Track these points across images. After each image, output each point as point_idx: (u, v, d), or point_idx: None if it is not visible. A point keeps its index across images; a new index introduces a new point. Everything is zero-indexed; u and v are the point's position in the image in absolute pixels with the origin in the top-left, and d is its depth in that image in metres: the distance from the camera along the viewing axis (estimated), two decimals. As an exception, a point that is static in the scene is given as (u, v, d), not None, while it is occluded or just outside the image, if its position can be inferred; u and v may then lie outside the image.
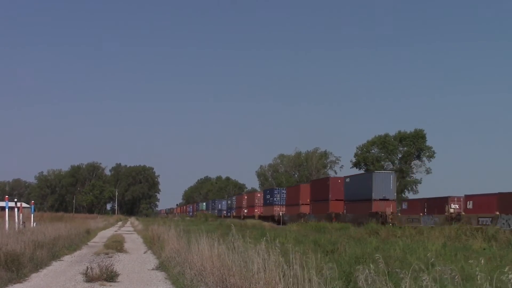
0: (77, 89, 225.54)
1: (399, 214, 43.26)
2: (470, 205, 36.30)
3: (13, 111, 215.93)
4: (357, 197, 45.90)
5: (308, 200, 55.95)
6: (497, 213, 33.36)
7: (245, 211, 77.84)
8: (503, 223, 31.41)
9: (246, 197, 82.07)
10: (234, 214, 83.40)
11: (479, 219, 34.03)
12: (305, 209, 55.93)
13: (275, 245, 8.72)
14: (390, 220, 39.86)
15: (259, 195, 75.43)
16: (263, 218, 65.84)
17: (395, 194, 45.34)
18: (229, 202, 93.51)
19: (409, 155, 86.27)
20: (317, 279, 6.91)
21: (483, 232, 24.84)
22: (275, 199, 66.22)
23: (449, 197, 40.45)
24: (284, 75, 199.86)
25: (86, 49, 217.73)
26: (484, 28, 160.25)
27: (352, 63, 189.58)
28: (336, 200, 49.10)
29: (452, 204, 36.63)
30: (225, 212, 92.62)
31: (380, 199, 42.71)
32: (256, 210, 72.60)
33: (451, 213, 36.56)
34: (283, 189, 68.48)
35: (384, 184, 43.62)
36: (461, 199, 38.73)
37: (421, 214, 40.67)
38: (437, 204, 39.78)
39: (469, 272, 10.48)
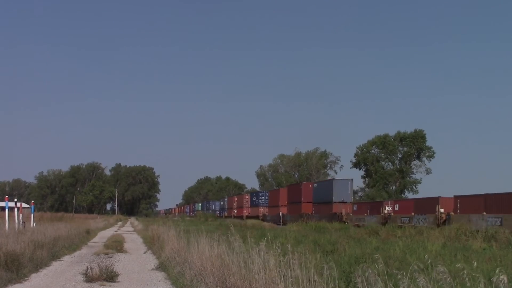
0: (77, 89, 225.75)
1: (351, 214, 49.95)
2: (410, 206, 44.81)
3: (13, 111, 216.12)
4: (322, 200, 53.89)
5: (286, 202, 63.76)
6: (413, 213, 40.95)
7: (235, 211, 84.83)
8: (416, 221, 39.05)
9: (236, 199, 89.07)
10: (226, 214, 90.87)
11: (402, 218, 41.29)
12: (284, 210, 63.69)
13: (276, 245, 8.72)
14: (345, 219, 47.82)
15: (247, 197, 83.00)
16: (249, 217, 71.79)
17: (352, 197, 54.52)
18: (221, 203, 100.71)
19: (409, 155, 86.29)
20: (318, 279, 6.91)
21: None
22: (260, 201, 75.13)
23: (383, 201, 49.84)
24: (284, 75, 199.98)
25: (87, 49, 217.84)
26: (484, 28, 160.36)
27: (352, 63, 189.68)
28: (307, 202, 56.86)
29: (386, 207, 45.28)
30: (218, 212, 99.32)
31: (339, 202, 50.80)
32: (244, 211, 79.58)
33: (385, 213, 44.89)
34: (266, 192, 77.49)
35: (342, 189, 51.82)
36: (393, 202, 47.55)
37: (365, 214, 48.38)
38: (377, 207, 47.60)
39: (469, 272, 10.49)
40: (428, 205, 39.60)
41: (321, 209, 53.20)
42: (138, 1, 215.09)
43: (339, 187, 51.95)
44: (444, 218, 36.79)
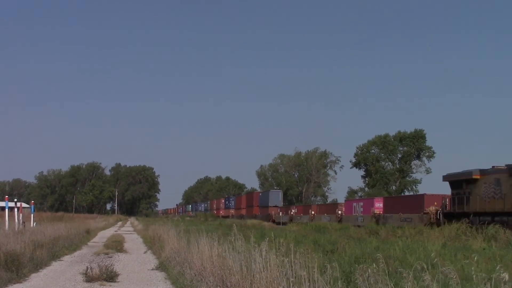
0: (77, 89, 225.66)
1: (280, 214, 66.13)
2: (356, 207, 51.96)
3: (13, 111, 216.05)
4: (263, 204, 75.52)
5: (245, 205, 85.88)
6: (356, 214, 49.08)
7: (215, 212, 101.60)
8: (357, 220, 46.58)
9: (215, 202, 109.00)
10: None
11: (347, 217, 49.81)
12: (244, 211, 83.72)
13: (280, 245, 8.71)
14: (274, 218, 65.92)
15: (222, 200, 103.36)
16: (224, 217, 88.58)
17: (282, 203, 75.69)
18: (205, 205, 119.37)
19: (409, 155, 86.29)
20: (321, 279, 6.91)
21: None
22: (230, 204, 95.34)
23: (338, 203, 61.26)
24: (284, 75, 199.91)
25: (86, 49, 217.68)
26: (484, 28, 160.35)
27: (352, 63, 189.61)
28: (256, 206, 78.61)
29: (338, 209, 53.81)
30: (203, 212, 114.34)
31: (273, 206, 71.36)
32: (220, 212, 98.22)
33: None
34: (234, 198, 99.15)
35: (276, 198, 73.51)
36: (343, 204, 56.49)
37: (302, 214, 60.78)
38: (333, 208, 56.61)
39: (469, 272, 10.49)
40: (367, 205, 47.22)
41: (263, 211, 73.77)
42: (138, 1, 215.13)
43: (273, 196, 73.67)
44: (377, 217, 42.48)
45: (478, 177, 30.35)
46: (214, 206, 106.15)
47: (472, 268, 6.02)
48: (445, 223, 30.88)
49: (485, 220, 28.41)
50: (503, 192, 27.86)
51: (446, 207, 34.15)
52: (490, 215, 28.55)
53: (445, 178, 34.17)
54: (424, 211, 35.48)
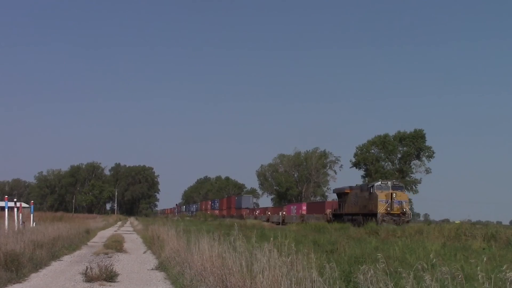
0: (77, 89, 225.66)
1: (251, 215, 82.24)
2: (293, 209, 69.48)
3: (13, 111, 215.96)
4: (238, 206, 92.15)
5: (226, 207, 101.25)
6: (305, 213, 62.85)
7: (204, 213, 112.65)
8: (307, 219, 57.57)
9: (204, 204, 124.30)
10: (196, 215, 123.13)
11: (294, 217, 64.92)
12: (225, 212, 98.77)
13: (284, 245, 8.71)
14: (245, 217, 78.53)
15: (210, 202, 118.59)
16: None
17: (253, 206, 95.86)
18: (196, 206, 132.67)
19: (408, 155, 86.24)
20: (321, 279, 6.91)
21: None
22: (215, 206, 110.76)
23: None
24: (284, 75, 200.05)
25: (87, 49, 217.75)
26: (484, 28, 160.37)
27: (352, 63, 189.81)
28: (234, 208, 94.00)
29: (283, 210, 71.78)
30: (194, 212, 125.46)
31: (245, 208, 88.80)
32: (208, 212, 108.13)
33: (282, 214, 70.41)
34: (218, 200, 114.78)
35: (247, 201, 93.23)
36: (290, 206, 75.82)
37: (269, 213, 77.15)
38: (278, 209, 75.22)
39: (469, 272, 10.48)
40: (298, 208, 66.16)
41: (238, 212, 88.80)
42: (138, 1, 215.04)
43: (245, 200, 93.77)
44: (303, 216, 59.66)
45: (348, 191, 47.72)
46: (203, 207, 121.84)
47: (478, 268, 6.00)
48: (333, 220, 47.34)
49: (350, 218, 44.81)
50: (357, 202, 44.70)
51: (335, 210, 51.40)
52: (352, 215, 45.00)
53: (334, 191, 55.34)
54: (325, 213, 54.45)
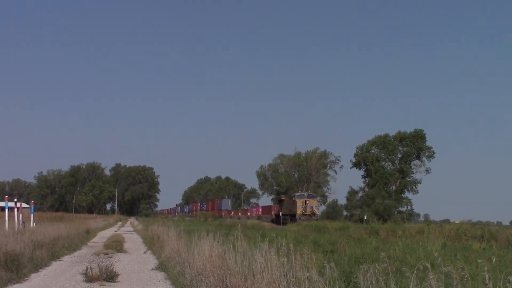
0: (77, 89, 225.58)
1: (228, 215, 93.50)
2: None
3: (13, 111, 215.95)
4: (219, 208, 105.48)
5: (211, 209, 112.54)
6: (261, 214, 79.91)
7: (195, 213, 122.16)
8: (265, 219, 72.83)
9: (194, 205, 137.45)
10: (190, 215, 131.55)
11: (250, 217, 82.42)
12: (212, 213, 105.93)
13: (282, 245, 8.70)
14: (224, 217, 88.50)
15: (199, 204, 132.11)
16: None
17: (231, 207, 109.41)
18: (189, 207, 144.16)
19: (409, 155, 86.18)
20: (321, 279, 6.90)
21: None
22: (203, 207, 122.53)
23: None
24: (284, 75, 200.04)
25: (86, 49, 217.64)
26: (484, 28, 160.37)
27: (352, 63, 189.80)
28: (216, 209, 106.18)
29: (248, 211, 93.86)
30: (187, 213, 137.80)
31: (224, 209, 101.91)
32: (198, 213, 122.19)
33: (248, 214, 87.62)
34: (205, 202, 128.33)
35: (226, 203, 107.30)
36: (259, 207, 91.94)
37: (243, 214, 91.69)
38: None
39: (471, 273, 10.47)
40: (257, 210, 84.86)
41: (220, 213, 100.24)
42: (138, 0, 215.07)
43: (225, 202, 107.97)
44: (259, 216, 76.62)
45: (284, 199, 65.95)
46: (194, 208, 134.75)
47: (486, 268, 5.98)
48: (276, 220, 62.73)
49: (284, 217, 60.10)
50: (288, 206, 61.64)
51: (277, 212, 65.72)
52: (285, 215, 60.78)
53: (276, 198, 77.34)
54: (271, 213, 70.89)
